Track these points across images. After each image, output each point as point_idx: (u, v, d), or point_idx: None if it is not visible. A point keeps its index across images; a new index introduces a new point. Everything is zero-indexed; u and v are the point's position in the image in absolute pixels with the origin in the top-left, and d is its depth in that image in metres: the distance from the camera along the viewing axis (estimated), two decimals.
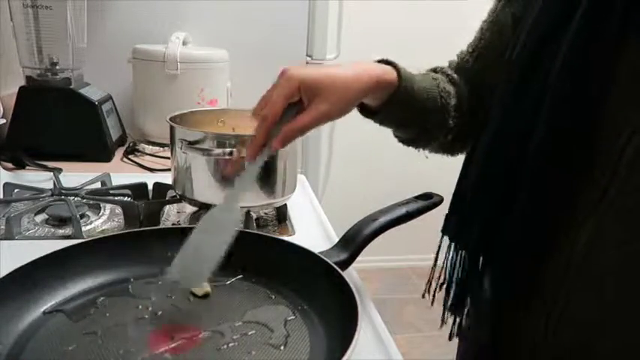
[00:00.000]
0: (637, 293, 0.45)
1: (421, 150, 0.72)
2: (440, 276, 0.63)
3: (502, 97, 0.55)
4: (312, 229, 0.83)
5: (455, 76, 0.69)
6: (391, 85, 0.61)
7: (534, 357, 0.53)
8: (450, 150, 0.73)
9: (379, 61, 0.64)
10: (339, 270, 0.55)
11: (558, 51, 0.48)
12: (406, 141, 0.70)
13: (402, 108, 0.63)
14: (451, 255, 0.60)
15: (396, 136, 0.71)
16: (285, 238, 0.69)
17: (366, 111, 0.65)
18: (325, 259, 0.57)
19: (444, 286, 0.62)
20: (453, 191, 0.61)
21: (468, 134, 0.66)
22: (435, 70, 0.71)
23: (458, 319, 0.61)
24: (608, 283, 0.47)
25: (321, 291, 0.55)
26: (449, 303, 0.61)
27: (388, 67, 0.62)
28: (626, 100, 0.45)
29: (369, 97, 0.62)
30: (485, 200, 0.55)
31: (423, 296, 0.64)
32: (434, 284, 0.63)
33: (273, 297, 0.57)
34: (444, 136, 0.68)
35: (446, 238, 0.61)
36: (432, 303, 0.64)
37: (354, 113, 0.62)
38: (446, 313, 0.62)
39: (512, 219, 0.52)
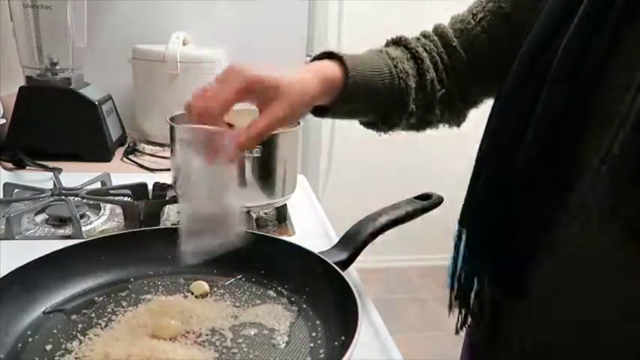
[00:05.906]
0: (610, 300, 0.45)
1: (387, 133, 0.67)
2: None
3: (504, 92, 0.54)
4: (312, 229, 0.83)
5: (420, 50, 0.64)
6: (338, 82, 0.57)
7: None
8: (421, 128, 0.68)
9: (321, 56, 0.60)
10: (339, 270, 0.55)
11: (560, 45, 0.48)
12: (367, 125, 0.66)
13: (353, 102, 0.59)
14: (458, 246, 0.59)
15: (360, 123, 0.67)
16: (285, 238, 0.69)
17: (316, 110, 0.60)
18: (325, 259, 0.57)
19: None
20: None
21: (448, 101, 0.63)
22: (397, 42, 0.66)
23: (463, 314, 0.61)
24: (585, 290, 0.46)
25: (321, 291, 0.55)
26: (454, 295, 0.60)
27: (332, 64, 0.58)
28: (619, 92, 0.45)
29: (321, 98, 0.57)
30: (493, 196, 0.55)
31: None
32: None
33: (273, 297, 0.57)
34: (407, 119, 0.64)
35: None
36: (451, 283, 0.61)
37: None
38: (453, 306, 0.61)
39: (509, 216, 0.52)
